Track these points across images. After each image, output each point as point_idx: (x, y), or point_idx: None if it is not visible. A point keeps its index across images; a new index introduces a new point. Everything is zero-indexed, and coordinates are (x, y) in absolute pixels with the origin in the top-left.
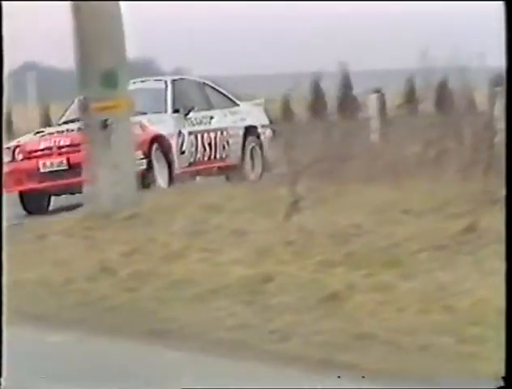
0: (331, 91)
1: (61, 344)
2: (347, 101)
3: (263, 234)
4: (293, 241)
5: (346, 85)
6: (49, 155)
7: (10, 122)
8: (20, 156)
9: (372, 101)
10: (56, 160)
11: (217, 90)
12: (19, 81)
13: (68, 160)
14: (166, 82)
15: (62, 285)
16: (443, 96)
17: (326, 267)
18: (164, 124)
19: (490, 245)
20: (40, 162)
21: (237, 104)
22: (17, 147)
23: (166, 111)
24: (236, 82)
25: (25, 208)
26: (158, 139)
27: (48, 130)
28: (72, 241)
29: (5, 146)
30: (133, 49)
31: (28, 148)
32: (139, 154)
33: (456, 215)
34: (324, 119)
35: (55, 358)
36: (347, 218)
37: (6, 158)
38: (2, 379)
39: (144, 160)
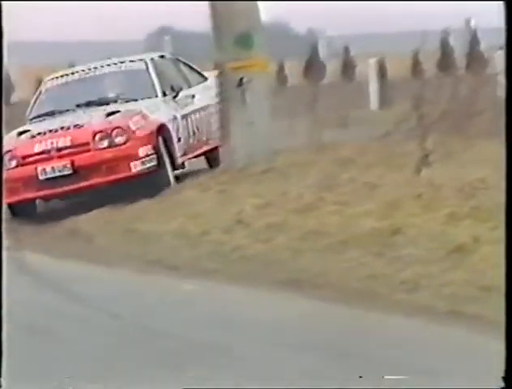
0: (459, 48)
1: (195, 292)
2: (475, 57)
3: (393, 188)
4: (422, 195)
5: (473, 42)
6: (48, 159)
7: None
8: (13, 163)
9: (499, 57)
10: (57, 164)
11: (188, 65)
12: (156, 45)
13: (73, 163)
14: (146, 62)
15: (198, 237)
16: None
17: (454, 219)
18: (160, 111)
19: None
20: (39, 168)
21: (206, 78)
22: (7, 152)
23: (156, 95)
24: (365, 40)
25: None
26: (162, 130)
27: (33, 129)
28: (208, 196)
29: None
30: (267, 12)
31: (22, 153)
32: (149, 149)
33: None
34: (452, 75)
35: (188, 305)
36: (474, 172)
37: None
38: (2, 379)
39: (154, 156)
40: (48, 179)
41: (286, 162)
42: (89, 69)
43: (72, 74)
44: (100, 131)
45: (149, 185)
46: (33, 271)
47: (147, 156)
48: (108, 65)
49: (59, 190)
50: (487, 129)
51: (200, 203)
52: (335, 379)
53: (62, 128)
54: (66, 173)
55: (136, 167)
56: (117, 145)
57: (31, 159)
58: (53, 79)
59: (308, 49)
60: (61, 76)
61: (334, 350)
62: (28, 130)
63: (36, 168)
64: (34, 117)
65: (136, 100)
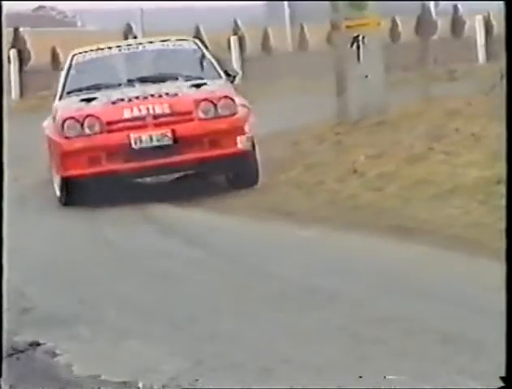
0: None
1: (310, 238)
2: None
3: (497, 138)
4: None
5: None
6: (142, 126)
7: (267, 41)
8: (96, 128)
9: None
10: (155, 132)
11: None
12: (274, 6)
13: (174, 132)
14: (195, 42)
15: (313, 186)
16: None
17: None
18: (238, 95)
19: None
20: (132, 136)
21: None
22: (88, 116)
23: (220, 76)
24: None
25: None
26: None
27: (106, 97)
28: (323, 147)
29: (59, 115)
30: None
31: (107, 118)
32: (249, 126)
33: None
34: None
35: (304, 251)
36: None
37: (69, 131)
38: (2, 380)
39: (251, 135)
40: (141, 149)
41: (398, 114)
42: (128, 45)
43: (109, 48)
44: (205, 99)
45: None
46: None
47: (249, 132)
48: (151, 42)
49: (153, 162)
50: None
51: (316, 153)
52: (435, 324)
53: (152, 95)
54: (164, 143)
55: (242, 142)
56: (222, 116)
57: (119, 125)
58: (83, 52)
59: (419, 6)
60: (95, 50)
61: (437, 294)
62: (95, 98)
63: (128, 136)
64: (73, 91)
65: (202, 79)
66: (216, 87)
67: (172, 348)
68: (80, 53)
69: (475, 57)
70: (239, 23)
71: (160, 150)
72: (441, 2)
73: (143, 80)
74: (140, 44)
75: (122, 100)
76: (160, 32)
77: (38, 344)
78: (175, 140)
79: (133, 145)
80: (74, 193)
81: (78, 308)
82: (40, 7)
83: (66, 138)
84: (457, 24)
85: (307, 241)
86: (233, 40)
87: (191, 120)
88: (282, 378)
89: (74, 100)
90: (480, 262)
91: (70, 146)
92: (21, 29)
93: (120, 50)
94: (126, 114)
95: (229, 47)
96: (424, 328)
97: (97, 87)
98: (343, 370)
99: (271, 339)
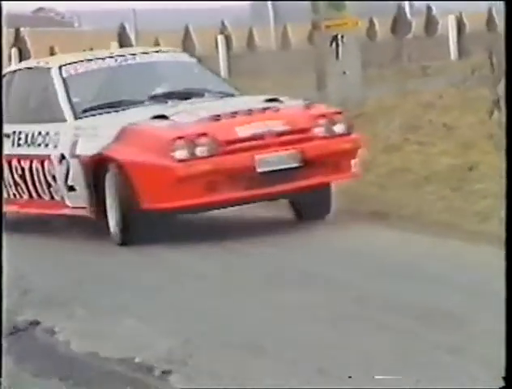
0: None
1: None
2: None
3: (468, 129)
4: (494, 135)
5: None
6: (263, 146)
7: (252, 40)
8: (212, 149)
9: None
10: (282, 153)
11: None
12: (259, 7)
13: (303, 152)
14: (190, 54)
15: None
16: None
17: None
18: None
19: None
20: (257, 157)
21: None
22: (202, 135)
23: (234, 94)
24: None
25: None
26: None
27: (186, 113)
28: None
29: (157, 134)
30: None
31: (223, 137)
32: None
33: None
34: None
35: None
36: None
37: (180, 153)
38: (2, 379)
39: None
40: (265, 173)
41: (374, 107)
42: (121, 56)
43: (102, 59)
44: (322, 115)
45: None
46: None
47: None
48: (146, 53)
49: (279, 188)
50: None
51: None
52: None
53: (250, 110)
54: (292, 165)
55: (355, 166)
56: (340, 135)
57: (237, 145)
58: (72, 64)
59: (395, 7)
60: (85, 61)
61: (413, 273)
62: (165, 116)
63: (252, 157)
64: (92, 109)
65: (233, 95)
66: (295, 102)
67: None
68: (68, 64)
69: (448, 54)
70: (225, 23)
71: (284, 173)
72: (416, 2)
73: (169, 97)
74: (133, 54)
75: (219, 116)
76: (152, 31)
77: None
78: (304, 162)
79: (257, 168)
80: (141, 229)
81: None
82: (40, 9)
83: (180, 161)
84: (430, 24)
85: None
86: (220, 39)
87: (311, 139)
88: None
89: (126, 117)
90: (451, 244)
91: (184, 170)
92: (21, 29)
93: (116, 61)
94: (241, 132)
95: (216, 46)
96: (399, 304)
97: (120, 105)
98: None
99: None
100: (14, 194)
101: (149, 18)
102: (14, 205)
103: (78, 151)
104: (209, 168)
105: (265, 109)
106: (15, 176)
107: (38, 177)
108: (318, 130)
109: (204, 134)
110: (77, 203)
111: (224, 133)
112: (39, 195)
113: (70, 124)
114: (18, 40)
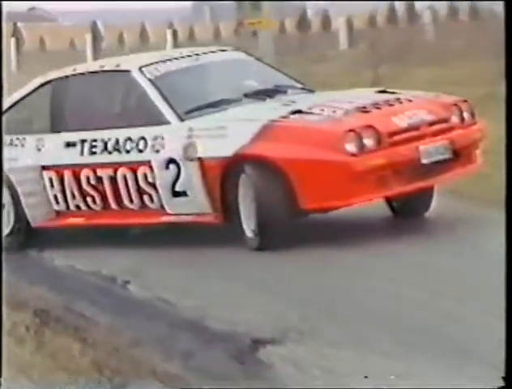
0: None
1: None
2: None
3: None
4: None
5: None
6: (419, 137)
7: (192, 34)
8: (378, 142)
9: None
10: (439, 143)
11: None
12: (199, 7)
13: (453, 142)
14: (245, 53)
15: None
16: None
17: None
18: None
19: None
20: (421, 148)
21: None
22: (368, 127)
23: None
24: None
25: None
26: None
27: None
28: None
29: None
30: None
31: (386, 129)
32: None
33: None
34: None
35: None
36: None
37: (352, 146)
38: (2, 379)
39: None
40: (426, 165)
41: None
42: (188, 56)
43: (176, 59)
44: (454, 104)
45: None
46: None
47: None
48: (197, 54)
49: (438, 179)
50: (421, 60)
51: None
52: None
53: (387, 101)
54: (446, 156)
55: (479, 156)
56: (471, 124)
57: (400, 136)
58: (153, 64)
59: (300, 11)
60: (163, 61)
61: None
62: (300, 111)
63: (417, 149)
64: (199, 108)
65: (312, 91)
66: (414, 92)
67: None
68: (148, 65)
69: (340, 45)
70: (172, 20)
71: (440, 164)
72: (318, 2)
73: (261, 94)
74: (197, 54)
75: (365, 107)
76: (117, 27)
77: None
78: (453, 152)
79: (422, 159)
80: (281, 232)
81: None
82: (33, 8)
83: (353, 155)
84: (326, 23)
85: None
86: (168, 32)
87: (452, 128)
88: None
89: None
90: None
91: (361, 165)
92: (18, 24)
93: (188, 61)
94: (400, 123)
95: (165, 38)
96: None
97: (220, 104)
98: None
99: None
100: (78, 206)
101: (114, 16)
102: (79, 217)
103: (198, 154)
104: (382, 161)
105: (398, 100)
106: (85, 186)
107: (125, 185)
108: (454, 120)
109: (370, 127)
110: (187, 209)
111: (383, 124)
112: (119, 205)
113: (175, 126)
114: (15, 32)
